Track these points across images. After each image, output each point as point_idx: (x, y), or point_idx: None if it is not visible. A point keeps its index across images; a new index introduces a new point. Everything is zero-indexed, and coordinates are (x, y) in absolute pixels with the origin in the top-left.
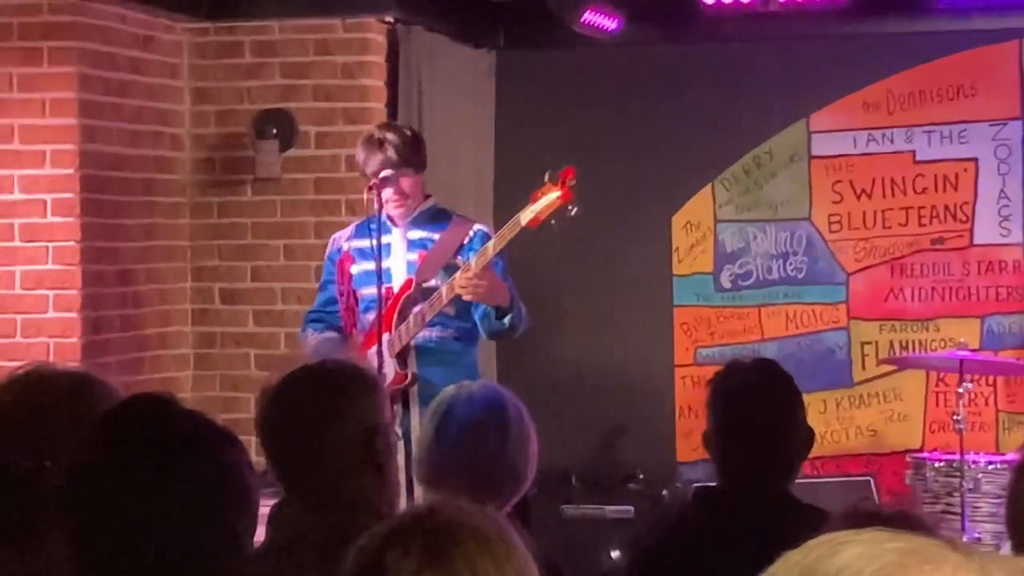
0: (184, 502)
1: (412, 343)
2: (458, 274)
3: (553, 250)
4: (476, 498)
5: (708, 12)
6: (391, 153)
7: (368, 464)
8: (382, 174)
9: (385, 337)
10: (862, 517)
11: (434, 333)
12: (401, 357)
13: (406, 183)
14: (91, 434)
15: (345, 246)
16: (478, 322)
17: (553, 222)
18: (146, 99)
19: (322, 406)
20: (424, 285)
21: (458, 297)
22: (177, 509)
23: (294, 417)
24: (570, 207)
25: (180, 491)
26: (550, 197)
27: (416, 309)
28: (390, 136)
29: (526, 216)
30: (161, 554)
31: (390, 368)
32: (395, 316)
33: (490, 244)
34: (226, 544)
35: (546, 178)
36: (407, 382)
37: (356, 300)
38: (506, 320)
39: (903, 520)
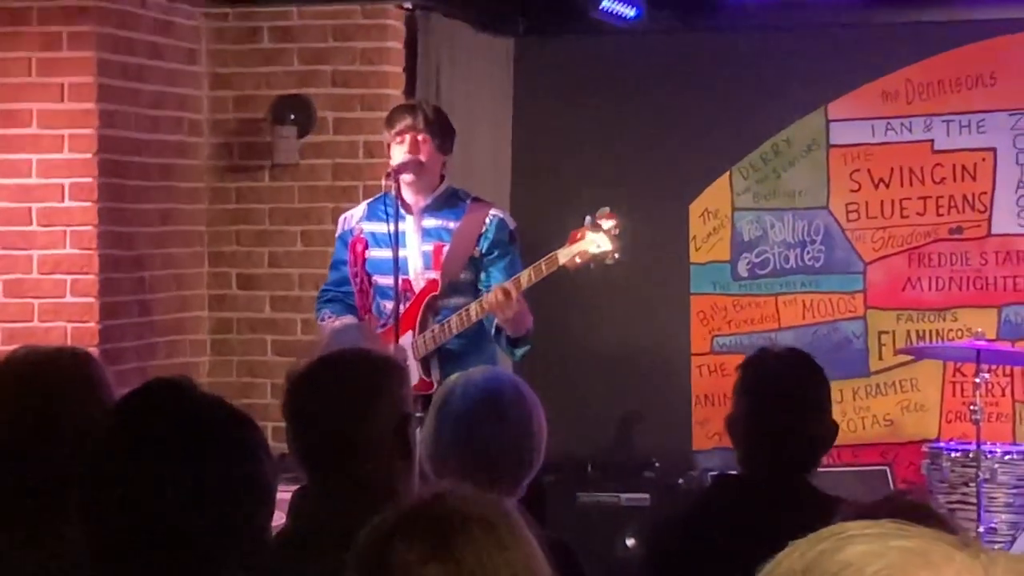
0: (203, 485)
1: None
2: (490, 293)
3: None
4: (479, 484)
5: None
6: (420, 116)
7: (400, 452)
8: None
9: (408, 337)
10: (875, 511)
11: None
12: (424, 362)
13: (426, 150)
14: (109, 418)
15: (357, 227)
16: (490, 331)
17: (592, 266)
18: (165, 84)
19: (360, 393)
20: (450, 281)
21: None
22: (196, 492)
23: (330, 403)
24: (610, 258)
25: (199, 474)
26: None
27: (444, 320)
28: (426, 105)
29: (565, 256)
30: (180, 537)
31: (413, 371)
32: (419, 317)
33: (524, 274)
34: (245, 527)
35: (587, 222)
36: (432, 390)
37: (370, 284)
38: (517, 352)
39: (918, 514)
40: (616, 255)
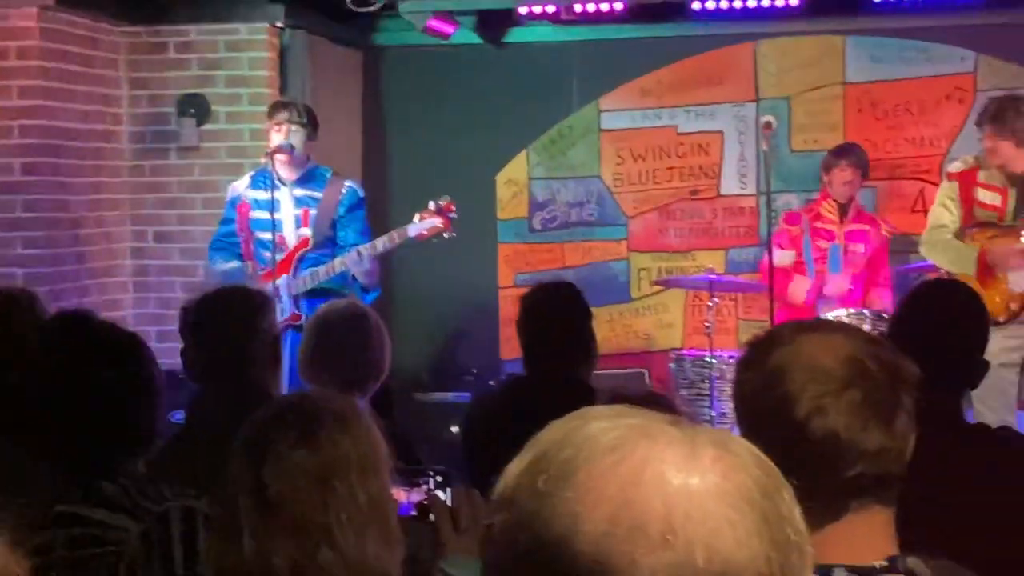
0: (100, 386)
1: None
2: (351, 252)
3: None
4: (340, 388)
5: (523, 19)
6: (293, 111)
7: (275, 363)
8: (279, 120)
9: (284, 279)
10: (620, 399)
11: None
12: (296, 299)
13: (297, 137)
14: (35, 343)
15: (242, 194)
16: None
17: (435, 241)
18: (93, 86)
19: (246, 317)
20: (317, 238)
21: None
22: (95, 391)
23: (223, 324)
24: (447, 234)
25: (98, 378)
26: (435, 223)
27: (312, 268)
28: (298, 103)
29: (414, 230)
30: (85, 426)
31: (288, 305)
32: (292, 264)
33: (379, 241)
34: (137, 419)
35: (431, 205)
36: (300, 321)
37: (252, 238)
38: (368, 297)
39: (651, 401)
40: (453, 233)
